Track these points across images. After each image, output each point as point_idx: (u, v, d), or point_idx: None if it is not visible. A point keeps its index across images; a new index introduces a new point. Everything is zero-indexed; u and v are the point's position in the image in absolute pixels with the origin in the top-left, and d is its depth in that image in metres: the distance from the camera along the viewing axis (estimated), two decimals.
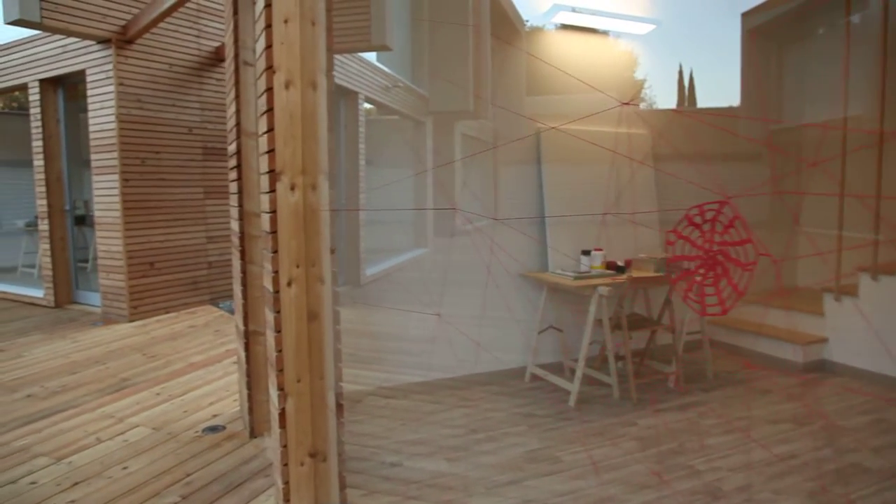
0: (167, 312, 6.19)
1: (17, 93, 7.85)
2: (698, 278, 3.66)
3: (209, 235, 6.62)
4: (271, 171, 2.25)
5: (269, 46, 2.30)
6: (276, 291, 2.24)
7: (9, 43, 6.89)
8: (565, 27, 5.40)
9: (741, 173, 4.40)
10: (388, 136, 8.51)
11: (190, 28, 6.51)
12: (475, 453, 3.21)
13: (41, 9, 5.34)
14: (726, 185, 3.48)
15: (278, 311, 2.24)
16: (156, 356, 4.87)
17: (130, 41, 5.97)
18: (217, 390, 4.09)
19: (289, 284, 2.23)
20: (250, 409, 3.34)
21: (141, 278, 6.01)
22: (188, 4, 6.18)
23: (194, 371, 4.50)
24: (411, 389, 4.19)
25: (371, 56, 7.56)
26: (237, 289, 3.32)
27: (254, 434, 3.36)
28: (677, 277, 3.93)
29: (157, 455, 3.20)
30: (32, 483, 2.94)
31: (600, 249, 4.25)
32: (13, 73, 6.89)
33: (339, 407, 2.38)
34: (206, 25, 6.65)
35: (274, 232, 2.24)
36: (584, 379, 3.96)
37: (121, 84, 5.91)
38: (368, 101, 7.64)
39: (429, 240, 7.37)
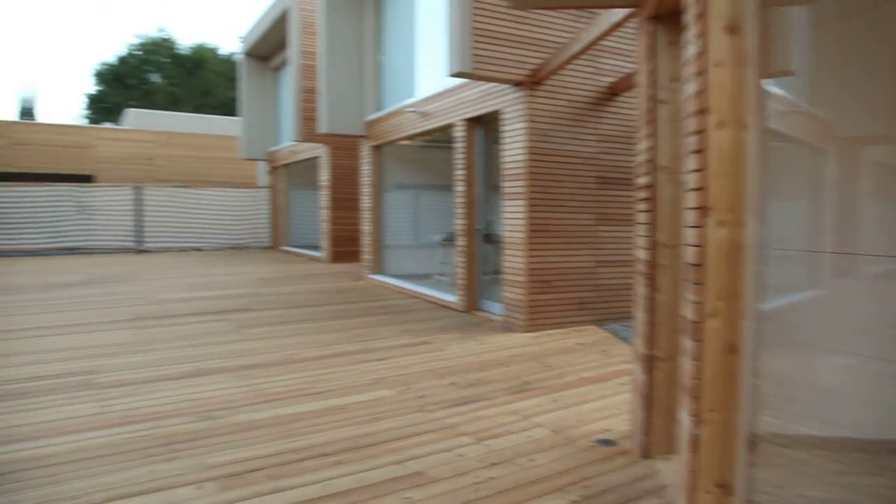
0: (557, 328, 6.76)
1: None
2: None
3: (599, 260, 7.05)
4: (699, 208, 2.38)
5: (701, 91, 2.44)
6: (697, 322, 2.36)
7: (444, 91, 8.30)
8: None
9: None
10: (781, 165, 7.94)
11: (589, 66, 7.03)
12: None
13: (473, 62, 6.36)
14: None
15: (698, 341, 2.36)
16: (551, 366, 5.38)
17: (539, 82, 6.69)
18: (608, 406, 4.36)
19: (711, 316, 2.33)
20: (645, 431, 3.50)
21: (538, 294, 6.69)
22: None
23: (585, 385, 4.86)
24: (809, 442, 3.89)
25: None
26: (640, 315, 3.52)
27: (646, 454, 3.51)
28: None
29: (556, 455, 3.57)
30: (460, 455, 3.56)
31: None
32: (446, 114, 8.28)
33: (752, 444, 2.39)
34: (604, 63, 7.11)
35: (698, 265, 2.37)
36: None
37: (530, 121, 6.66)
38: None
39: (824, 280, 6.66)
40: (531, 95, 6.68)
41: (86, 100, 42.62)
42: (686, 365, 2.49)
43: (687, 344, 2.48)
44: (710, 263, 2.33)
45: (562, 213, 6.84)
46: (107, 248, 16.82)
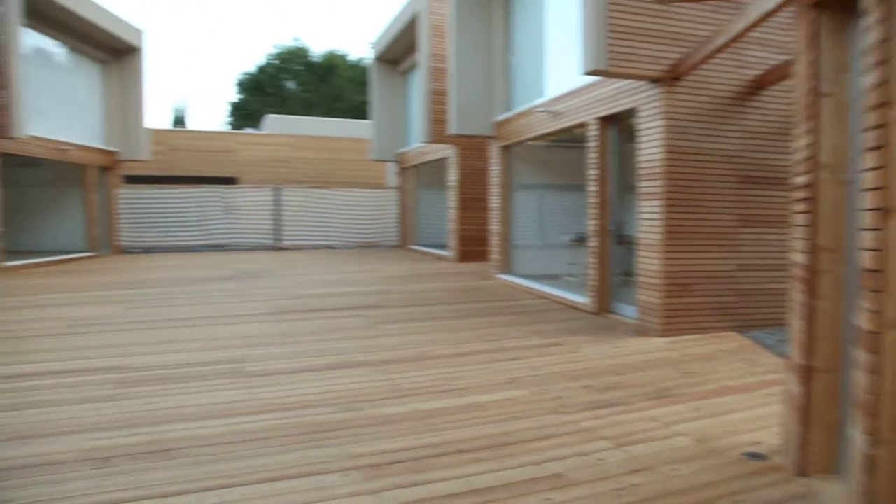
0: (694, 333, 6.47)
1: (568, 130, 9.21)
2: None
3: (740, 263, 6.67)
4: (879, 209, 2.20)
5: (882, 82, 2.26)
6: (875, 332, 2.18)
7: (576, 89, 8.18)
8: None
9: None
10: None
11: (732, 59, 6.66)
12: None
13: (609, 59, 6.21)
14: None
15: (875, 353, 2.18)
16: (690, 373, 5.17)
17: (678, 78, 6.44)
18: (755, 418, 4.12)
19: (892, 327, 2.14)
20: (800, 446, 3.28)
21: (675, 298, 6.44)
22: None
23: (729, 395, 4.62)
24: None
25: None
26: (797, 322, 3.29)
27: (802, 472, 3.28)
28: None
29: (701, 466, 3.42)
30: (600, 459, 3.49)
31: None
32: (577, 113, 8.16)
33: None
34: (748, 55, 6.72)
35: (877, 270, 2.19)
36: None
37: (668, 118, 6.43)
38: None
39: None
40: (669, 92, 6.45)
41: (229, 107, 45.79)
42: (860, 379, 2.30)
43: (861, 356, 2.30)
44: (893, 269, 2.14)
45: (701, 213, 6.55)
46: (248, 245, 18.00)
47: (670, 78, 6.42)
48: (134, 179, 18.23)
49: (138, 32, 16.40)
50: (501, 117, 10.92)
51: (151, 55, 77.91)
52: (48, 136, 13.46)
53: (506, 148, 10.98)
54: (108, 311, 8.06)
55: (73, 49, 15.08)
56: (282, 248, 17.96)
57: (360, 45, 72.14)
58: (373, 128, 18.58)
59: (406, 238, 18.41)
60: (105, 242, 16.40)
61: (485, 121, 11.16)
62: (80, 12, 13.81)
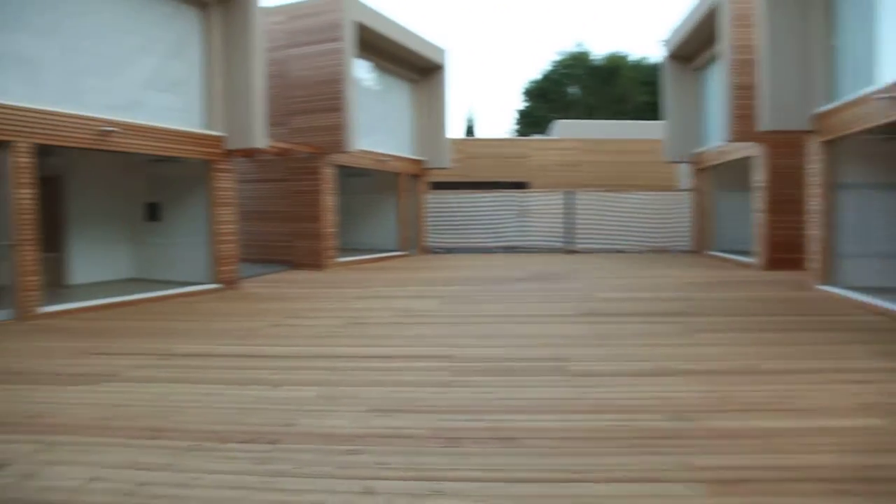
0: None
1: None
2: None
3: None
4: None
5: None
6: None
7: None
8: None
9: None
10: None
11: None
12: None
13: None
14: None
15: None
16: None
17: None
18: None
19: None
20: None
21: None
22: None
23: None
24: None
25: None
26: None
27: None
28: None
29: None
30: None
31: None
32: None
33: None
34: None
35: None
36: None
37: None
38: None
39: None
40: None
41: (516, 115, 47.74)
42: None
43: None
44: None
45: None
46: (539, 247, 18.61)
47: None
48: (437, 185, 20.00)
49: (442, 52, 17.96)
50: (823, 109, 9.75)
51: (452, 70, 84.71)
52: (371, 149, 15.40)
53: (829, 143, 9.78)
54: (428, 305, 8.95)
55: (390, 72, 17.05)
56: (572, 251, 18.22)
57: (641, 45, 70.18)
58: (665, 128, 17.97)
59: (701, 243, 17.39)
60: (413, 243, 18.26)
61: (801, 114, 10.08)
62: (398, 39, 15.56)
